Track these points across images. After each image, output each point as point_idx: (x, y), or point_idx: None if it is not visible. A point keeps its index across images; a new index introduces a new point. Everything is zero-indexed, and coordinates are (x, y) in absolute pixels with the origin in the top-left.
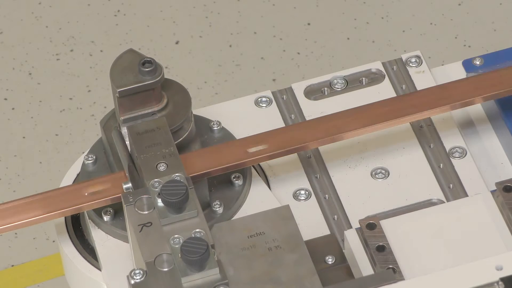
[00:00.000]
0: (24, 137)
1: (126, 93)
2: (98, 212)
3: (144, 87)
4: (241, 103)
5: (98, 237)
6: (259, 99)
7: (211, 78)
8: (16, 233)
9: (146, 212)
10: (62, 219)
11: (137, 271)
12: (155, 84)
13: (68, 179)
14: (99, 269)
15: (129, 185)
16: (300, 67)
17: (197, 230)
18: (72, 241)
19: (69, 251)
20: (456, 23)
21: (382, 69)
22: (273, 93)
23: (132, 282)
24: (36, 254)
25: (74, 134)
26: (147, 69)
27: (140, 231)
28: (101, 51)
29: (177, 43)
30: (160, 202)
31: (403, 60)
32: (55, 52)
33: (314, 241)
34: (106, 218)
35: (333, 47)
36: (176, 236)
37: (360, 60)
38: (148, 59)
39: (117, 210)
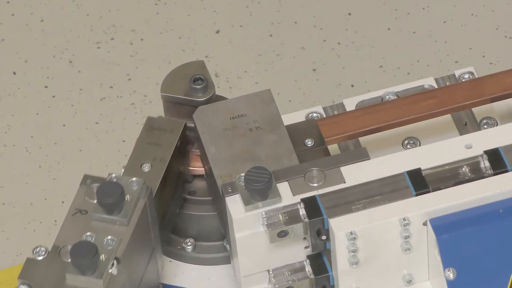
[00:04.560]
0: (64, 125)
1: (168, 99)
2: None
3: (188, 101)
4: (292, 118)
5: None
6: (310, 114)
7: (251, 68)
8: (55, 220)
9: (90, 201)
10: None
11: (43, 249)
12: (200, 103)
13: None
14: None
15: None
16: (340, 57)
17: (109, 237)
18: None
19: None
20: (497, 14)
21: (435, 85)
22: (324, 108)
23: (31, 256)
24: None
25: (114, 122)
26: (196, 86)
27: (72, 214)
28: (142, 39)
29: (217, 32)
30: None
31: (456, 76)
32: (95, 40)
33: (294, 125)
34: None
35: (373, 37)
36: (90, 234)
37: (400, 50)
38: (202, 77)
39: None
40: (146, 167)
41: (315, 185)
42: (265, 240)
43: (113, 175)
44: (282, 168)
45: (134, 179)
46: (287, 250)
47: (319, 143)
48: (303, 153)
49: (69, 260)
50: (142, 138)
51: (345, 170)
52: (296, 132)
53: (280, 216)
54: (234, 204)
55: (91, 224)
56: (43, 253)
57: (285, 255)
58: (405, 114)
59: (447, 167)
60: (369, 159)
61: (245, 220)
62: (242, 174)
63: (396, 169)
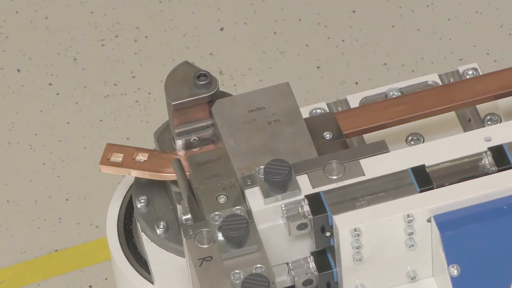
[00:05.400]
0: (68, 123)
1: (181, 106)
2: (151, 225)
3: (199, 100)
4: None
5: (151, 250)
6: (314, 111)
7: (255, 65)
8: (60, 218)
9: (206, 246)
10: (115, 230)
11: None
12: (210, 98)
13: (121, 190)
14: (152, 283)
15: (189, 216)
16: (344, 55)
17: (258, 265)
18: (124, 254)
19: (121, 263)
20: (502, 12)
21: (439, 81)
22: (327, 104)
23: None
24: (80, 239)
25: (118, 120)
26: (202, 82)
27: (200, 266)
28: (146, 37)
29: (221, 29)
30: (220, 236)
31: (460, 72)
32: (100, 37)
33: (312, 118)
34: (159, 231)
35: (377, 35)
36: (236, 271)
37: (404, 48)
38: (203, 72)
39: (170, 224)
40: (222, 199)
41: (335, 177)
42: (285, 232)
43: (216, 212)
44: (301, 160)
45: (237, 207)
46: (307, 243)
47: (338, 136)
48: (321, 146)
49: None
50: (198, 177)
51: (365, 162)
52: (314, 125)
53: (299, 208)
54: (253, 196)
55: (224, 264)
56: None
57: (304, 247)
58: (427, 107)
59: (451, 164)
60: (388, 151)
61: (265, 212)
62: (261, 166)
63: (414, 162)
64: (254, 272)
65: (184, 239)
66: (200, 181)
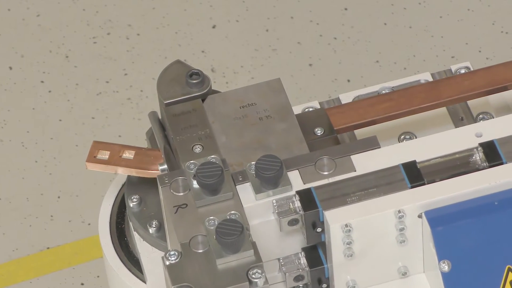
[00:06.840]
0: (60, 120)
1: (172, 104)
2: (144, 224)
3: (191, 99)
4: None
5: (144, 249)
6: (306, 109)
7: (247, 63)
8: (52, 216)
9: (182, 194)
10: (107, 229)
11: (172, 253)
12: (202, 96)
13: (113, 189)
14: (144, 282)
15: (165, 166)
16: (336, 52)
17: (232, 212)
18: (117, 253)
19: (113, 262)
20: (494, 10)
21: (431, 79)
22: (320, 103)
23: (167, 263)
24: (72, 236)
25: (110, 117)
26: (194, 81)
27: (175, 213)
28: (138, 34)
29: (214, 27)
30: (195, 184)
31: (452, 71)
32: (92, 35)
33: (304, 114)
34: (151, 230)
35: (370, 32)
36: (211, 218)
37: (397, 45)
38: (196, 71)
39: (162, 223)
40: (198, 148)
41: (326, 173)
42: (276, 228)
43: (191, 161)
44: (292, 156)
45: (212, 156)
46: (298, 239)
47: (329, 132)
48: (313, 142)
49: (205, 249)
50: (174, 127)
51: (356, 158)
52: (305, 121)
53: (290, 204)
54: (244, 192)
55: (199, 211)
56: (175, 255)
57: (295, 243)
58: (418, 103)
59: (442, 159)
60: (380, 147)
61: (256, 208)
62: (252, 162)
63: (405, 158)
64: (228, 218)
65: (160, 187)
66: (176, 132)
